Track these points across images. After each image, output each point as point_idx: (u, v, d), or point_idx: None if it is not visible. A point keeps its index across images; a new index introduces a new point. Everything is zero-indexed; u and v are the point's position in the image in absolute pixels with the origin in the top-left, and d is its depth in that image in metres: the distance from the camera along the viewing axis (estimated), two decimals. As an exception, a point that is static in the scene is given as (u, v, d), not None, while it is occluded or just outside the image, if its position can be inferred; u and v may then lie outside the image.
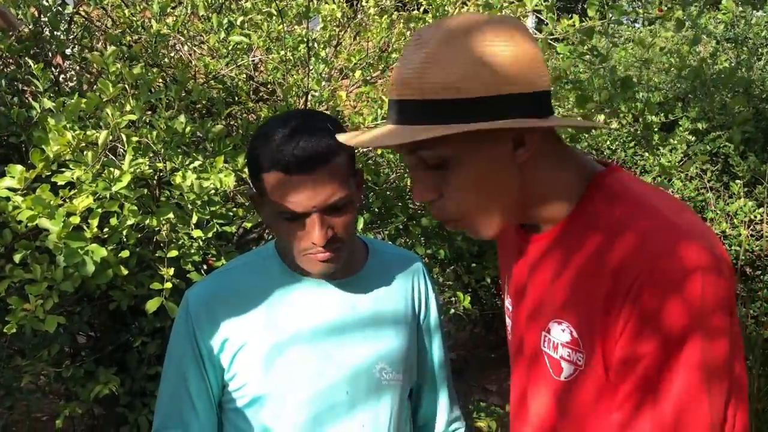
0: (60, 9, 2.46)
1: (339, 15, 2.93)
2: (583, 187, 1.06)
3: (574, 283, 1.02)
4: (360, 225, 2.29)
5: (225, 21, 2.69)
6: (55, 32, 2.13)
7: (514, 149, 1.01)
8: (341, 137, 1.11)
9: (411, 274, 1.55)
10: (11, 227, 1.88)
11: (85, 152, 1.57)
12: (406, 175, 2.55)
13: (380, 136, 1.03)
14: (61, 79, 2.32)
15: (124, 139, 1.64)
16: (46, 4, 2.38)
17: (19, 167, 1.54)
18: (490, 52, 0.95)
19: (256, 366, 1.37)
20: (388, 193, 2.45)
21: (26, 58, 1.99)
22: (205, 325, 1.39)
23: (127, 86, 1.64)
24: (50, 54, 2.11)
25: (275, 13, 2.19)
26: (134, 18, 2.33)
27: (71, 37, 2.54)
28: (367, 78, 2.76)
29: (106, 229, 1.92)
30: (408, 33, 3.06)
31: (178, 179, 1.68)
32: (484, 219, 1.06)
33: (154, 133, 1.70)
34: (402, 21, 3.07)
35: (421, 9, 2.96)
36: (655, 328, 0.89)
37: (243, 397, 1.39)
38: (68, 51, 2.33)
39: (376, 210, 2.42)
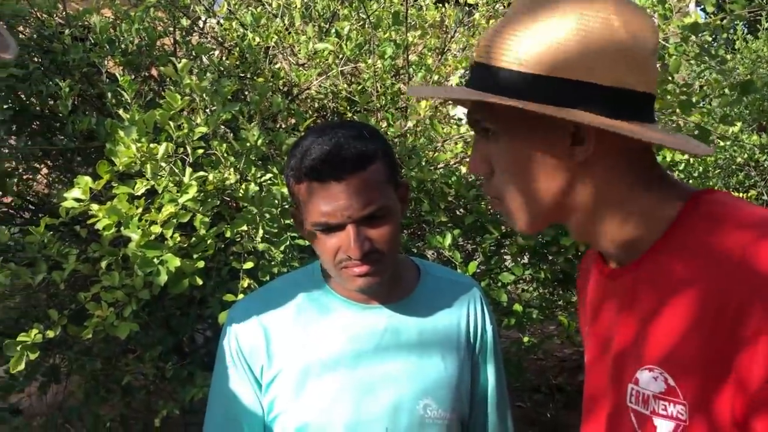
0: (178, 21, 2.56)
1: (449, 22, 2.81)
2: (674, 211, 0.89)
3: (667, 321, 0.84)
4: (448, 241, 2.16)
5: (333, 30, 2.67)
6: (155, 44, 2.21)
7: (571, 143, 0.88)
8: (410, 89, 1.05)
9: (466, 300, 1.41)
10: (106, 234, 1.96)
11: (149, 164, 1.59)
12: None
13: (434, 89, 1.01)
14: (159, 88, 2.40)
15: (189, 151, 1.64)
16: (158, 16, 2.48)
17: (86, 179, 1.59)
18: (572, 33, 0.85)
19: (290, 394, 1.30)
20: (482, 206, 2.30)
21: (121, 70, 2.08)
22: (248, 343, 1.33)
23: (197, 98, 1.64)
24: (147, 66, 2.19)
25: (366, 18, 2.12)
26: (240, 30, 2.35)
27: (186, 47, 2.65)
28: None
29: (193, 239, 1.94)
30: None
31: (241, 191, 1.66)
32: (520, 207, 0.94)
33: (224, 145, 1.69)
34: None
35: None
36: None
37: (278, 428, 1.31)
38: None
39: (467, 225, 2.28)
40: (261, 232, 1.73)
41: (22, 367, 1.74)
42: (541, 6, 0.88)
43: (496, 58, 0.88)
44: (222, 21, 2.74)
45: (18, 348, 1.73)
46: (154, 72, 2.22)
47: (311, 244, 1.30)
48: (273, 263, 2.05)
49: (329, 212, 1.18)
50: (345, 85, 2.61)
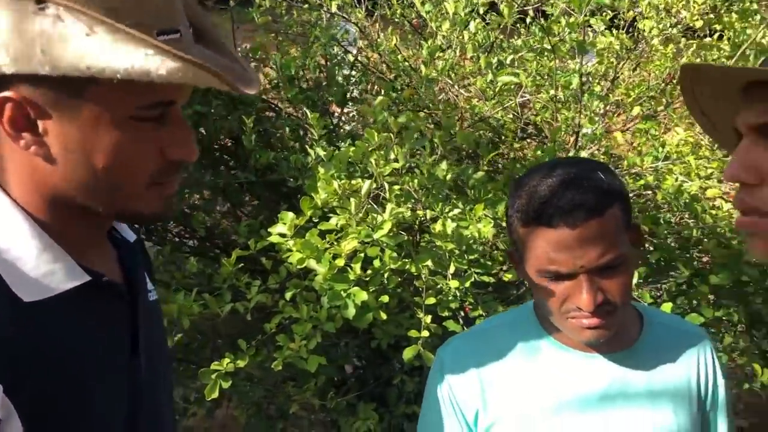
0: (344, 56, 2.62)
1: (617, 47, 2.70)
2: None
3: None
4: (634, 280, 2.04)
5: (495, 60, 2.63)
6: (335, 79, 2.25)
7: None
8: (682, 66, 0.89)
9: (695, 351, 1.30)
10: (286, 266, 2.00)
11: (350, 199, 1.59)
12: (691, 223, 2.24)
13: (725, 67, 0.85)
14: (340, 123, 2.45)
15: (387, 187, 1.64)
16: (334, 52, 2.55)
17: (290, 215, 1.61)
18: None
19: (510, 441, 1.24)
20: (669, 243, 2.16)
21: (305, 108, 2.13)
22: (462, 387, 1.29)
23: (392, 134, 1.64)
24: (326, 102, 2.24)
25: (548, 48, 2.06)
26: (406, 63, 2.37)
27: (351, 82, 2.69)
28: (649, 113, 2.49)
29: (369, 272, 1.94)
30: (698, 62, 2.72)
31: (438, 227, 1.63)
32: None
33: (416, 180, 1.68)
34: (691, 49, 2.74)
35: (716, 35, 2.61)
36: None
37: None
38: (347, 95, 2.45)
39: (654, 263, 2.14)
40: (453, 268, 1.69)
41: (216, 394, 1.79)
42: None
43: None
44: (384, 54, 2.77)
45: (213, 376, 1.78)
46: (334, 107, 2.27)
47: (531, 288, 1.24)
48: (450, 299, 2.01)
49: (560, 260, 1.11)
50: (510, 116, 2.56)
